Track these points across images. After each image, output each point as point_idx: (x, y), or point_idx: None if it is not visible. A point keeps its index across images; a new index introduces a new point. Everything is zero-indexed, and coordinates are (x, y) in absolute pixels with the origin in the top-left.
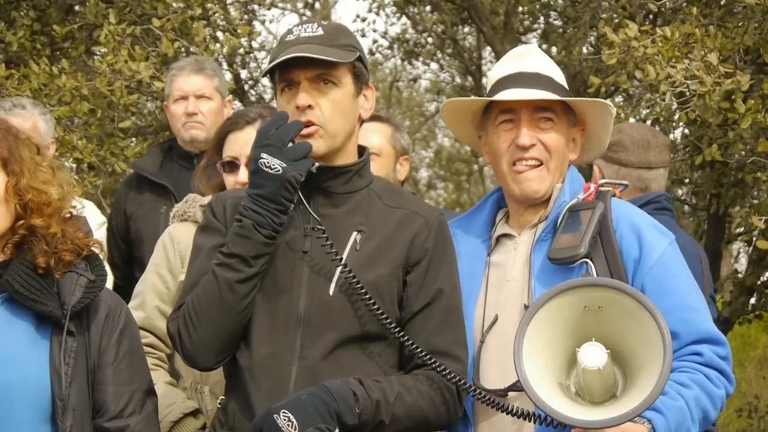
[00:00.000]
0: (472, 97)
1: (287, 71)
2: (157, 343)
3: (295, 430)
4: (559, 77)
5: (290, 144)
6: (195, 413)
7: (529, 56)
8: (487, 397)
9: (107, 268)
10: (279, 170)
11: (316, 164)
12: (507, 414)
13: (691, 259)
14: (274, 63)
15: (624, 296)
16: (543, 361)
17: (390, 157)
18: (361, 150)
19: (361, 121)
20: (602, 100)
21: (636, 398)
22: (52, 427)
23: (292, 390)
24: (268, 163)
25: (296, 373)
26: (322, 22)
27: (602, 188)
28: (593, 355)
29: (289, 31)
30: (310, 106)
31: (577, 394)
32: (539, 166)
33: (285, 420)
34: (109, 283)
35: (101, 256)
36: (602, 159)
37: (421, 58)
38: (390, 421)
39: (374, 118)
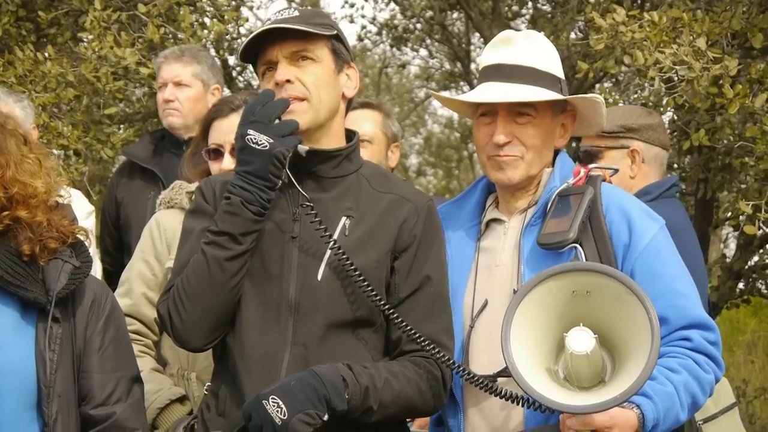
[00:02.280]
0: (447, 96)
1: (265, 52)
2: (144, 330)
3: (284, 416)
4: (544, 64)
5: (277, 121)
6: (182, 399)
7: (512, 44)
8: (477, 378)
9: (93, 255)
10: (266, 146)
11: (306, 148)
12: (496, 396)
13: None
14: (248, 39)
15: (612, 281)
16: (531, 346)
17: (382, 144)
18: (350, 134)
19: (348, 102)
20: (584, 95)
21: (624, 383)
22: (37, 414)
23: (284, 376)
24: (255, 139)
25: (288, 359)
26: (300, 8)
27: (592, 173)
28: (581, 340)
29: (267, 19)
30: (288, 81)
31: (566, 379)
32: (518, 158)
33: (274, 406)
34: (98, 270)
35: (87, 244)
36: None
37: (409, 44)
38: (378, 407)
39: (365, 105)
